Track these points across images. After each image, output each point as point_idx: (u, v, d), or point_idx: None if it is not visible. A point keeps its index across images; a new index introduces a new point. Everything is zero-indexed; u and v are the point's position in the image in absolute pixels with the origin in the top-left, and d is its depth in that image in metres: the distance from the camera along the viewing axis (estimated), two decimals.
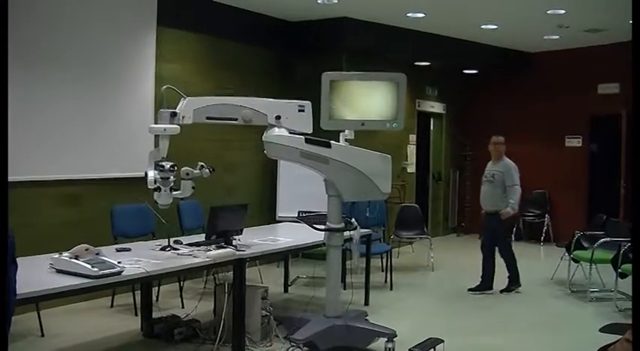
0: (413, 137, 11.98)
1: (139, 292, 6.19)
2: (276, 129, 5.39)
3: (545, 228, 12.06)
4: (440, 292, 8.33)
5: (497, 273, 8.08)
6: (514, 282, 8.09)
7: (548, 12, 8.97)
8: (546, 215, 12.11)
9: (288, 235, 6.63)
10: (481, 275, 8.11)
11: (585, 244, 8.23)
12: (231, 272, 5.43)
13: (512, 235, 11.24)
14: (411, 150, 11.95)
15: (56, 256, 4.33)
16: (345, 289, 7.37)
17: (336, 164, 5.39)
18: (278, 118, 5.38)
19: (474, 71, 12.73)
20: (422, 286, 8.72)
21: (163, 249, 5.39)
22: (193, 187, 5.16)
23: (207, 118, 5.20)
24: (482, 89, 13.06)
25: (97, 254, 4.41)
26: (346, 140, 5.69)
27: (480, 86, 13.06)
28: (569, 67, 11.83)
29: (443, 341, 5.37)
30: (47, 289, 3.89)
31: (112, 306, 6.90)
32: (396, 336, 5.52)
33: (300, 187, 8.36)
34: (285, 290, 7.90)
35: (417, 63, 11.43)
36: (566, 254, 8.40)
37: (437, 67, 11.99)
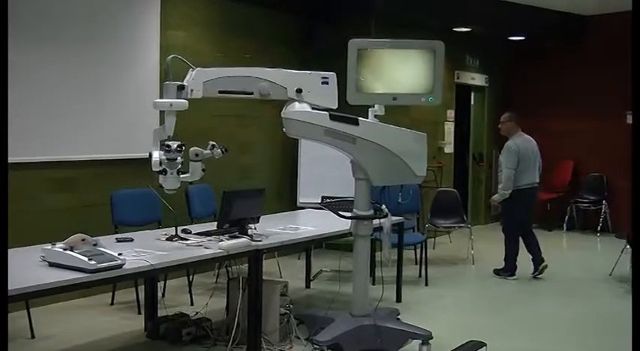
0: (451, 113, 11.90)
1: (143, 287, 6.20)
2: (297, 104, 5.36)
3: (602, 216, 11.93)
4: (481, 288, 8.29)
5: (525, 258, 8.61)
6: (506, 270, 8.65)
7: None
8: (604, 202, 11.97)
9: (311, 223, 6.61)
10: (532, 260, 8.65)
11: None
12: (247, 265, 5.42)
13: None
14: (449, 128, 11.87)
15: (48, 247, 4.32)
16: (374, 284, 7.35)
17: (364, 144, 5.35)
18: (299, 91, 5.34)
19: (521, 38, 12.58)
20: (461, 281, 8.69)
21: (170, 239, 5.39)
22: (204, 170, 5.16)
23: (219, 91, 5.18)
24: (530, 58, 12.91)
25: (95, 245, 4.41)
26: (375, 116, 5.65)
27: (528, 55, 12.90)
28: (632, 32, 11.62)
29: (485, 345, 5.33)
30: (38, 284, 3.87)
31: (112, 303, 6.93)
32: (432, 338, 5.48)
33: (323, 169, 8.32)
34: (307, 285, 7.91)
35: (455, 29, 11.31)
36: (628, 246, 8.30)
37: (479, 34, 11.86)
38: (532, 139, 8.70)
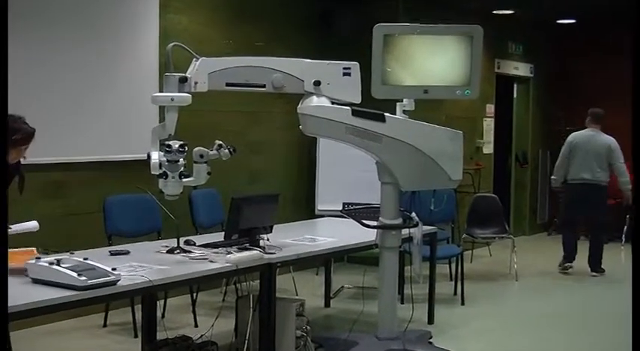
0: (490, 108, 11.86)
1: (140, 307, 6.20)
2: (315, 98, 5.36)
3: None
4: (525, 307, 8.26)
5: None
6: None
7: None
8: None
9: (330, 233, 6.59)
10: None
11: None
12: (258, 281, 5.42)
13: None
14: (488, 124, 11.83)
15: (32, 261, 4.33)
16: (402, 302, 7.34)
17: (391, 143, 5.34)
18: (317, 84, 5.35)
19: (572, 21, 12.52)
20: (502, 299, 8.67)
21: (171, 252, 5.39)
22: (209, 173, 5.16)
23: (227, 84, 5.20)
24: (583, 45, 12.84)
25: (85, 259, 4.41)
26: (404, 112, 5.64)
27: (580, 41, 12.83)
28: None
29: None
30: (20, 304, 3.85)
31: (104, 325, 6.93)
32: None
33: (345, 172, 8.31)
34: (327, 304, 7.90)
35: (496, 11, 11.29)
36: None
37: (522, 17, 11.82)
38: (604, 137, 9.72)
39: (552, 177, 10.21)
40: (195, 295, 7.27)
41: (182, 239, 5.60)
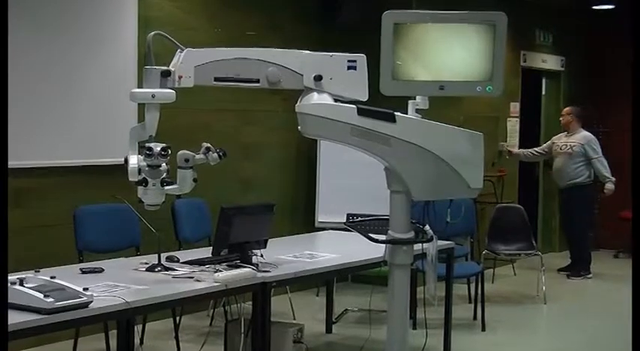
0: (515, 106, 11.87)
1: (115, 332, 6.19)
2: (316, 95, 5.35)
3: None
4: (555, 335, 8.26)
5: None
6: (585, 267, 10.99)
7: None
8: None
9: (333, 249, 6.61)
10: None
11: None
12: (250, 303, 5.42)
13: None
14: (513, 125, 11.83)
15: None
16: (415, 328, 7.35)
17: (402, 146, 5.33)
18: (318, 78, 5.34)
19: (609, 7, 12.52)
20: (528, 325, 8.68)
21: (151, 269, 5.40)
22: (195, 180, 5.15)
23: (216, 78, 5.19)
24: (622, 34, 12.81)
25: (53, 277, 4.41)
26: (417, 111, 5.63)
27: (618, 30, 12.82)
28: None
29: None
30: None
31: None
32: None
33: (349, 179, 8.32)
34: (328, 329, 7.91)
35: None
36: None
37: (552, 2, 11.83)
38: None
39: (613, 178, 10.84)
40: (178, 318, 7.27)
41: (164, 255, 5.61)
